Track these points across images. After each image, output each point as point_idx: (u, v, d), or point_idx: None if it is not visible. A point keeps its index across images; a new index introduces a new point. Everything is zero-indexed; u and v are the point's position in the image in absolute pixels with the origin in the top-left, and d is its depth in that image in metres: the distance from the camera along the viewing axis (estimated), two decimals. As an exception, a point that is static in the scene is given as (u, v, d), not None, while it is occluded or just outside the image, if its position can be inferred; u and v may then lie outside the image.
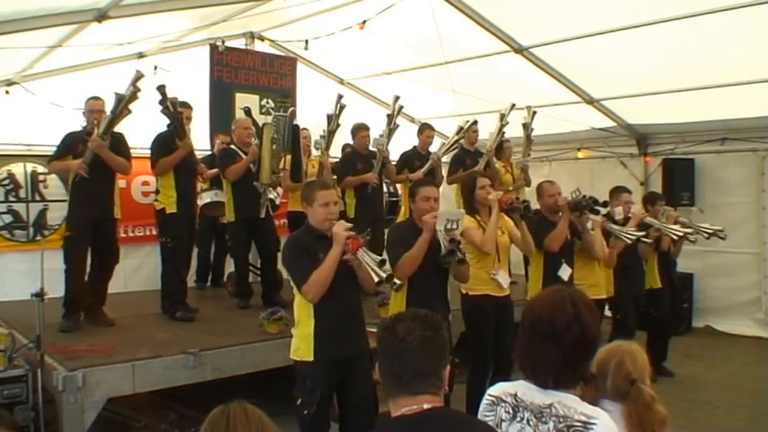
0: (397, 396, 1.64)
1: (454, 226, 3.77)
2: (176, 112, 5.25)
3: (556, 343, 1.75)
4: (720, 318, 7.77)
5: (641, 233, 5.23)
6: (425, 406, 1.60)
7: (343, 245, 3.30)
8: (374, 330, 4.12)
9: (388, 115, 6.47)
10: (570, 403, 1.75)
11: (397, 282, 3.37)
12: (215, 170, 6.22)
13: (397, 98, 6.41)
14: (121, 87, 4.94)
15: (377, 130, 6.57)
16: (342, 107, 6.24)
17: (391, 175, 6.74)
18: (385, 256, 3.73)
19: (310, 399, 3.34)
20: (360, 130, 6.55)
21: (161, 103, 5.15)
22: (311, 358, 3.38)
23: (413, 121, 8.56)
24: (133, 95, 4.89)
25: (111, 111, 4.93)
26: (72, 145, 5.07)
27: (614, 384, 2.12)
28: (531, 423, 1.78)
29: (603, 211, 5.07)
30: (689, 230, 5.65)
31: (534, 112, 6.92)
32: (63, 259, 5.06)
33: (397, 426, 1.64)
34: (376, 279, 3.30)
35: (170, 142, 5.36)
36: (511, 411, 1.83)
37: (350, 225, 3.41)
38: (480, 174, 5.25)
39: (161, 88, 5.13)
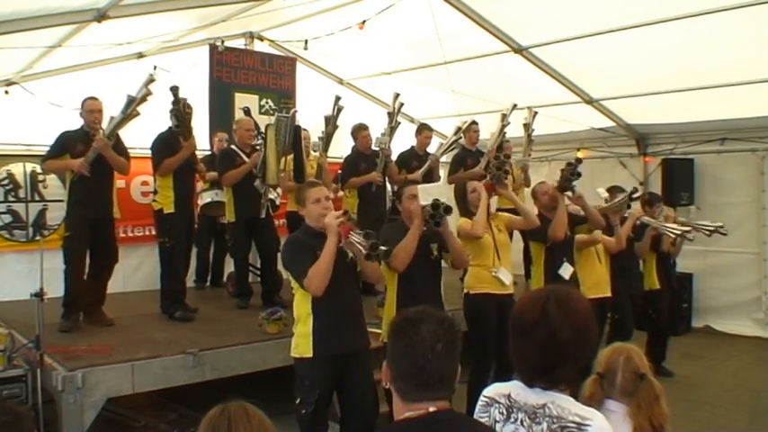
0: (414, 400, 1.58)
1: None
2: (186, 113, 5.30)
3: (527, 342, 1.73)
4: (720, 318, 7.77)
5: (686, 228, 5.41)
6: (431, 409, 1.56)
7: (336, 234, 3.32)
8: (374, 330, 4.16)
9: (389, 113, 6.48)
10: (564, 404, 1.73)
11: (383, 248, 3.41)
12: (215, 174, 6.21)
13: (397, 95, 6.41)
14: (121, 87, 4.94)
15: (378, 129, 6.58)
16: (340, 109, 6.24)
17: (393, 175, 6.73)
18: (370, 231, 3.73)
19: (309, 398, 3.35)
20: (360, 130, 6.56)
21: (174, 103, 5.21)
22: (310, 354, 3.39)
23: (412, 121, 8.57)
24: (144, 98, 4.91)
25: (121, 111, 4.95)
26: (69, 144, 5.05)
27: (624, 380, 2.13)
28: (524, 424, 1.76)
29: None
30: (686, 228, 5.63)
31: (535, 113, 6.93)
32: (63, 259, 5.05)
33: (402, 430, 1.61)
34: (364, 252, 3.31)
35: (172, 142, 5.36)
36: (505, 412, 1.81)
37: (340, 213, 3.42)
38: (476, 175, 5.33)
39: (174, 89, 5.19)
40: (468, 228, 4.44)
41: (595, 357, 2.28)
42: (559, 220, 4.79)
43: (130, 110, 4.93)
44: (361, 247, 3.32)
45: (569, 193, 4.94)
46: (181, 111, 5.26)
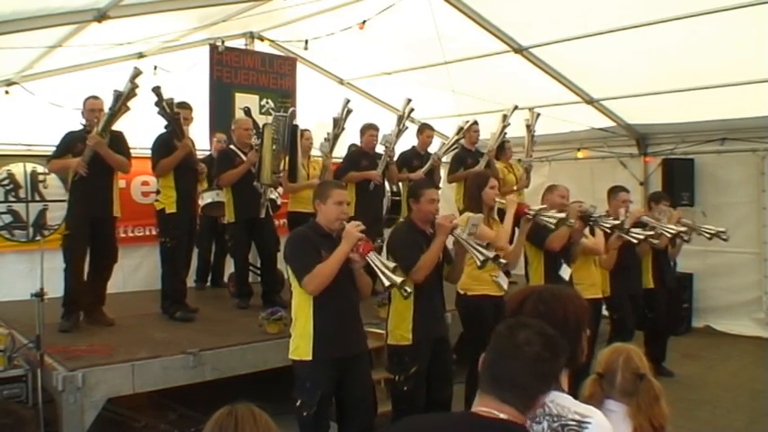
0: (485, 394, 1.60)
1: (474, 230, 3.92)
2: (173, 113, 5.25)
3: None
4: (720, 318, 7.77)
5: (650, 233, 5.26)
6: (502, 416, 1.55)
7: (353, 244, 3.30)
8: (374, 330, 4.16)
9: (399, 117, 6.51)
10: (564, 402, 1.74)
11: (408, 289, 3.41)
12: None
13: (408, 101, 6.44)
14: (121, 87, 4.93)
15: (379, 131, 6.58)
16: (348, 111, 6.26)
17: (394, 176, 6.73)
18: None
19: (310, 400, 3.34)
20: (369, 128, 6.56)
21: (157, 104, 5.15)
22: (310, 358, 3.38)
23: (413, 121, 8.54)
24: (131, 92, 4.90)
25: (109, 108, 4.95)
26: (71, 144, 5.07)
27: (623, 380, 2.13)
28: None
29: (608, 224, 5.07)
30: (683, 229, 5.64)
31: (538, 115, 6.93)
32: (63, 258, 5.06)
33: (461, 420, 1.65)
34: (387, 283, 3.29)
35: (170, 143, 5.36)
36: None
37: (363, 227, 3.39)
38: (491, 173, 5.29)
39: (156, 89, 5.12)
40: (490, 236, 4.36)
41: (595, 357, 2.29)
42: (562, 234, 4.74)
43: (118, 105, 4.91)
44: (383, 276, 3.29)
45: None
46: (166, 111, 5.19)
